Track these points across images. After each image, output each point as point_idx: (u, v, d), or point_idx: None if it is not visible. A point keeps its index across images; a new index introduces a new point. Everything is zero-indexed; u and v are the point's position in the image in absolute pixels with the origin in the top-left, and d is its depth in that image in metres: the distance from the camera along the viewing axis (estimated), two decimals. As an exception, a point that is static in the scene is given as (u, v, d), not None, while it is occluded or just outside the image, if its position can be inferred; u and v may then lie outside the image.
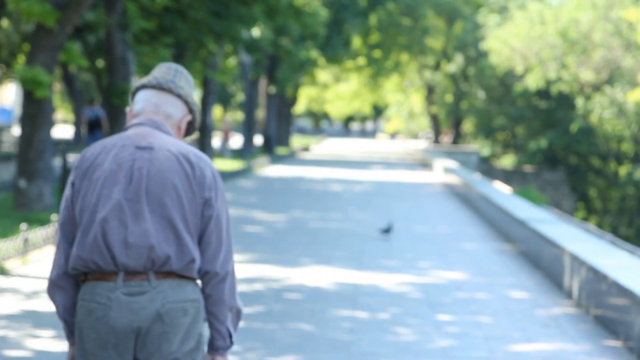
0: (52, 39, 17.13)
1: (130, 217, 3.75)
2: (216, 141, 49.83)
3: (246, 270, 12.44)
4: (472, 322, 9.73)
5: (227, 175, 30.85)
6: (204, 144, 35.77)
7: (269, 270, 12.52)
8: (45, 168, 17.41)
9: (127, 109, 4.02)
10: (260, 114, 59.88)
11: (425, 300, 10.87)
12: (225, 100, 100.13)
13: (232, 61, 40.12)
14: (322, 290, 11.30)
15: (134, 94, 4.02)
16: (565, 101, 55.88)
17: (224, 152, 43.56)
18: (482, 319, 9.94)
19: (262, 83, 53.47)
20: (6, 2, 28.07)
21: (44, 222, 15.16)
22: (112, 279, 3.75)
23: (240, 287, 11.16)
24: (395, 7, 61.36)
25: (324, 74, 74.80)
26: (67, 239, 3.85)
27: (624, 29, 41.96)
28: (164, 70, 3.99)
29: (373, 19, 60.03)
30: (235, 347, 8.23)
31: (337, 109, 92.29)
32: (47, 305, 9.71)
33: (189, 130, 4.07)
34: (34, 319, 9.11)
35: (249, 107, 46.46)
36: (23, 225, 12.61)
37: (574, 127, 53.49)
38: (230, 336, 3.89)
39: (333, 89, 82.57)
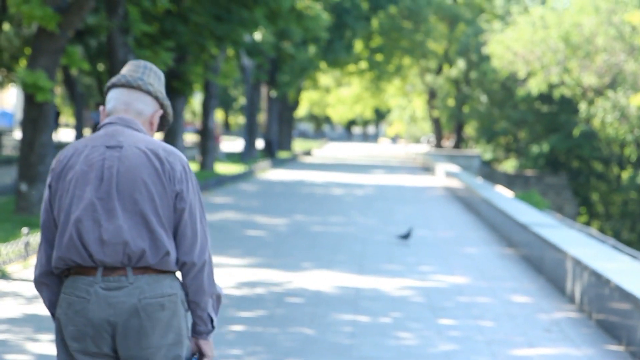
0: (54, 43, 17.12)
1: (103, 215, 3.86)
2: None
3: (247, 274, 12.42)
4: (474, 327, 9.70)
5: (228, 179, 30.84)
6: (205, 148, 35.76)
7: (270, 274, 12.49)
8: (47, 172, 17.40)
9: (100, 108, 4.10)
10: (262, 117, 59.88)
11: (427, 305, 10.84)
12: (227, 104, 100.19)
13: (233, 65, 40.09)
14: (323, 294, 11.27)
15: (105, 93, 4.10)
16: (567, 105, 55.84)
17: (218, 156, 43.53)
18: (484, 323, 9.91)
19: (264, 87, 53.48)
20: (7, 5, 28.08)
21: (45, 225, 15.13)
22: (92, 274, 3.88)
23: (242, 291, 11.14)
24: (397, 11, 61.38)
25: (325, 78, 74.81)
26: (47, 239, 3.99)
27: (626, 33, 41.94)
28: (133, 69, 4.08)
29: (375, 23, 60.04)
30: (236, 351, 8.21)
31: (338, 113, 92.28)
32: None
33: (162, 125, 4.16)
34: (34, 323, 9.09)
35: (250, 111, 46.46)
36: (24, 229, 12.59)
37: (576, 132, 53.45)
38: (212, 321, 4.02)
39: (335, 93, 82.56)
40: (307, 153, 62.22)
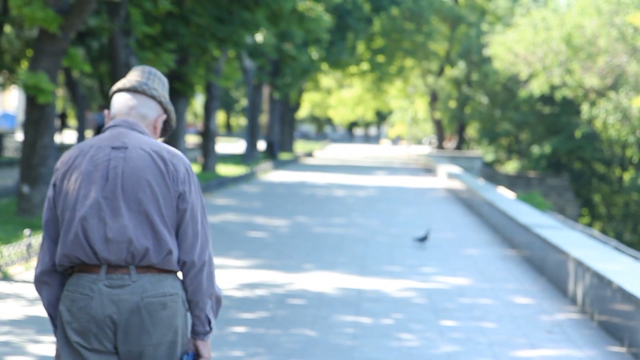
0: (55, 45, 17.12)
1: (108, 214, 3.95)
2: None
3: (249, 275, 12.42)
4: (476, 328, 9.70)
5: (230, 181, 30.84)
6: (207, 149, 35.76)
7: (272, 276, 12.49)
8: (49, 174, 17.40)
9: (105, 112, 4.20)
10: (264, 119, 59.89)
11: (429, 306, 10.84)
12: (229, 106, 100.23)
13: (235, 66, 40.11)
14: (325, 295, 11.27)
15: (110, 97, 4.21)
16: (569, 107, 55.84)
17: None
18: (486, 324, 9.91)
19: (266, 88, 53.49)
20: (9, 7, 28.10)
21: (47, 227, 15.13)
22: (96, 271, 3.95)
23: (244, 293, 11.14)
24: (399, 12, 61.37)
25: (327, 80, 74.80)
26: (50, 237, 4.07)
27: (629, 35, 41.91)
28: (138, 74, 4.19)
29: (376, 24, 60.04)
30: (238, 353, 8.21)
31: (340, 114, 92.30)
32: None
33: (165, 129, 4.28)
34: (37, 324, 9.09)
35: (252, 112, 46.45)
36: (26, 231, 12.59)
37: (578, 133, 53.43)
38: (210, 322, 4.08)
39: (336, 95, 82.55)
40: (309, 154, 62.22)
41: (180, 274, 4.08)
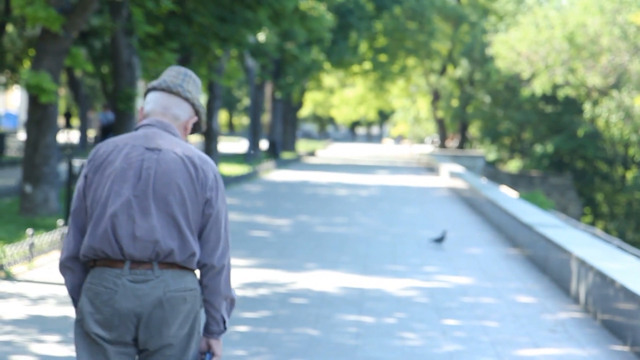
0: (58, 44, 17.12)
1: (138, 212, 4.08)
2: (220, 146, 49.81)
3: (252, 275, 12.42)
4: (479, 327, 9.70)
5: (232, 180, 30.84)
6: (209, 149, 35.76)
7: (274, 275, 12.49)
8: (51, 173, 17.41)
9: (139, 107, 4.43)
10: (266, 118, 59.89)
11: (432, 305, 10.83)
12: (231, 105, 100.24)
13: (237, 66, 40.11)
14: (327, 295, 11.27)
15: (145, 94, 4.35)
16: (572, 106, 55.80)
17: None
18: (488, 323, 9.91)
19: (268, 88, 53.47)
20: (12, 7, 28.10)
21: (49, 227, 15.15)
22: (119, 266, 4.08)
23: (246, 292, 11.14)
24: (401, 12, 61.35)
25: (329, 79, 74.79)
26: (77, 225, 4.19)
27: (631, 34, 41.89)
28: (174, 75, 4.32)
29: (379, 24, 60.01)
30: (241, 352, 8.21)
31: (342, 113, 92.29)
32: (52, 311, 9.70)
33: (194, 130, 4.42)
34: (39, 324, 9.09)
35: (254, 111, 46.45)
36: (29, 231, 12.59)
37: (580, 132, 53.40)
38: (224, 322, 4.25)
39: (339, 94, 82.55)
40: (311, 154, 62.22)
41: (198, 272, 4.23)
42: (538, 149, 58.71)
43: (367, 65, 64.18)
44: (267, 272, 12.76)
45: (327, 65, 55.80)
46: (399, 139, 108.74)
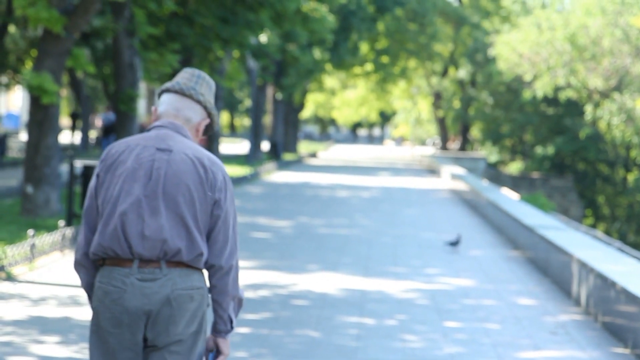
0: (59, 45, 17.13)
1: (147, 212, 4.15)
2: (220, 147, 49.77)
3: (253, 276, 12.41)
4: (480, 329, 9.69)
5: (234, 181, 30.84)
6: (211, 150, 35.79)
7: (275, 277, 12.49)
8: (52, 174, 17.41)
9: (153, 108, 4.41)
10: (268, 119, 59.90)
11: (433, 307, 10.83)
12: (233, 106, 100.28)
13: (239, 67, 40.11)
14: (329, 296, 11.26)
15: (159, 95, 4.43)
16: (573, 108, 55.77)
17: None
18: (489, 326, 9.90)
19: (270, 89, 53.48)
20: (14, 8, 28.12)
21: (50, 228, 15.15)
22: (128, 265, 4.15)
23: (247, 294, 11.14)
24: (403, 13, 61.34)
25: (331, 80, 74.78)
26: (89, 224, 4.27)
27: (633, 36, 41.87)
28: (188, 77, 4.39)
29: (380, 25, 60.01)
30: (242, 354, 8.21)
31: (344, 115, 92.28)
32: (53, 312, 9.70)
33: (206, 131, 4.49)
34: (40, 324, 9.09)
35: (256, 113, 46.45)
36: (30, 231, 12.59)
37: (582, 134, 53.36)
38: (231, 322, 4.32)
39: (340, 95, 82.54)
40: (313, 155, 62.21)
41: (205, 271, 4.30)
42: (539, 150, 58.70)
43: (369, 66, 64.18)
44: (268, 273, 12.75)
45: (328, 67, 55.80)
46: (399, 140, 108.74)
